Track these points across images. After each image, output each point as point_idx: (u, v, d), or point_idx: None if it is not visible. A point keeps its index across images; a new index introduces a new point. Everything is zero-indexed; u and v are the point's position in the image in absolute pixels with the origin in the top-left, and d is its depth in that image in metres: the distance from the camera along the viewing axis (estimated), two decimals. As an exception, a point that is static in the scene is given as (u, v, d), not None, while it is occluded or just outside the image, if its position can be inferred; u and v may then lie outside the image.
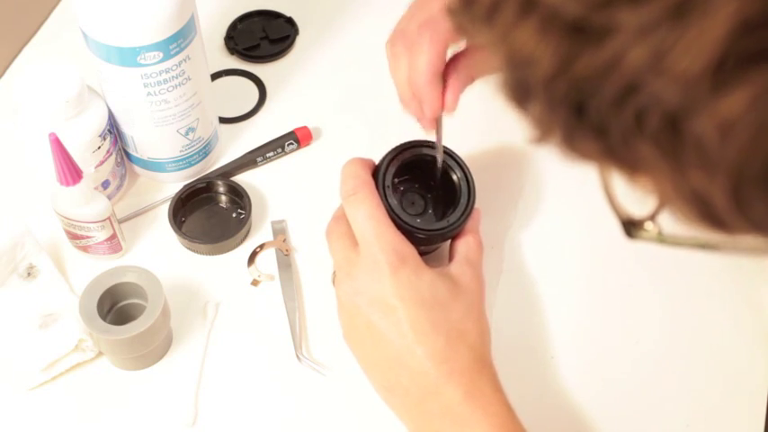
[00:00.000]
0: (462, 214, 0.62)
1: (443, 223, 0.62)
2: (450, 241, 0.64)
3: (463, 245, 0.62)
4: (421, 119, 0.62)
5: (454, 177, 0.64)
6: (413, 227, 0.60)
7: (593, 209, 0.73)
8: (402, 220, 0.60)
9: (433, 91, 0.59)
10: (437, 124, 0.62)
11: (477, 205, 0.64)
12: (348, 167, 0.61)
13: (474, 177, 0.64)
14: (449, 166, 0.64)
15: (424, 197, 0.66)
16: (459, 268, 0.60)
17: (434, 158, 0.63)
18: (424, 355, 0.54)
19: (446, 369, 0.54)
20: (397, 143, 0.64)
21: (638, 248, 0.70)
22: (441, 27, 0.58)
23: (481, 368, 0.55)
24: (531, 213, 0.73)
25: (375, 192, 0.59)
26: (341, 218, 0.61)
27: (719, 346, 0.66)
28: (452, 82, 0.59)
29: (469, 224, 0.64)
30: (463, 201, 0.63)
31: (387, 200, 0.60)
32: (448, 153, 0.64)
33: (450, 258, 0.62)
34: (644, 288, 0.69)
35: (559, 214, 0.73)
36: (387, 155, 0.63)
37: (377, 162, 0.63)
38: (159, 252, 0.70)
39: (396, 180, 0.63)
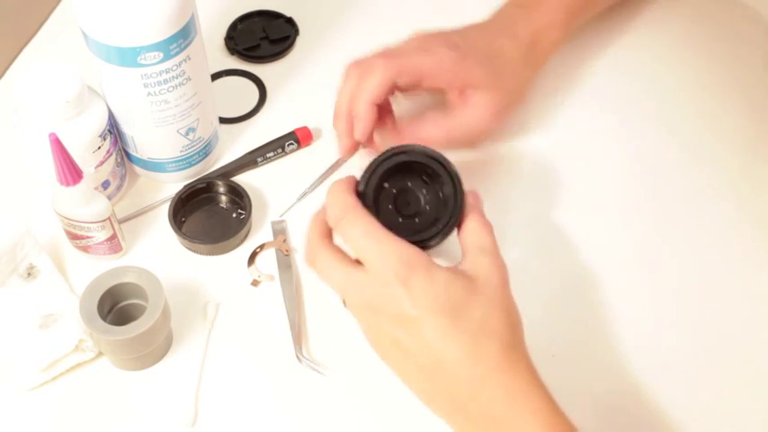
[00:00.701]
0: (450, 219, 0.59)
1: (434, 230, 0.59)
2: (458, 233, 0.61)
3: (470, 234, 0.59)
4: (344, 138, 0.70)
5: (440, 180, 0.60)
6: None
7: (592, 210, 0.73)
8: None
9: (368, 113, 0.67)
10: (353, 151, 0.70)
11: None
12: (331, 194, 0.59)
13: (466, 177, 0.62)
14: (433, 170, 0.60)
15: (419, 193, 0.62)
16: (473, 261, 0.57)
17: (415, 162, 0.60)
18: (455, 360, 0.53)
19: (480, 371, 0.53)
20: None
21: (642, 251, 0.71)
22: (397, 61, 0.67)
23: (516, 360, 0.54)
24: (531, 210, 0.73)
25: (363, 210, 0.57)
26: (322, 247, 0.58)
27: (732, 346, 0.66)
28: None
29: (469, 207, 0.60)
30: (450, 203, 0.59)
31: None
32: (430, 155, 0.60)
33: (463, 253, 0.59)
34: (646, 290, 0.69)
35: (560, 210, 0.73)
36: (364, 173, 0.60)
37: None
38: (159, 252, 0.70)
39: (385, 185, 0.61)
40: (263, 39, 0.84)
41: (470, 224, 0.59)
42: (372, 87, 0.67)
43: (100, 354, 0.64)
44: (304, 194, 0.74)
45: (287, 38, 0.84)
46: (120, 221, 0.70)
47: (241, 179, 0.75)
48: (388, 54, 0.68)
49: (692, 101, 0.80)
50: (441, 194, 0.61)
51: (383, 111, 0.70)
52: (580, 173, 0.75)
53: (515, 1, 0.75)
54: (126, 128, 0.70)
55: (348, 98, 0.69)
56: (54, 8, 0.87)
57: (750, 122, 0.78)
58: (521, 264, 0.70)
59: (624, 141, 0.77)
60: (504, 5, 0.75)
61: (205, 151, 0.74)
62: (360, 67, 0.68)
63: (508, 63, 0.71)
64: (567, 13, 0.74)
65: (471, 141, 0.72)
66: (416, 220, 0.61)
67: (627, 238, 0.72)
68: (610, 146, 0.77)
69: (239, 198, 0.72)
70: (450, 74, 0.68)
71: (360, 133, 0.68)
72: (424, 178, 0.62)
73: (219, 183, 0.73)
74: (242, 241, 0.71)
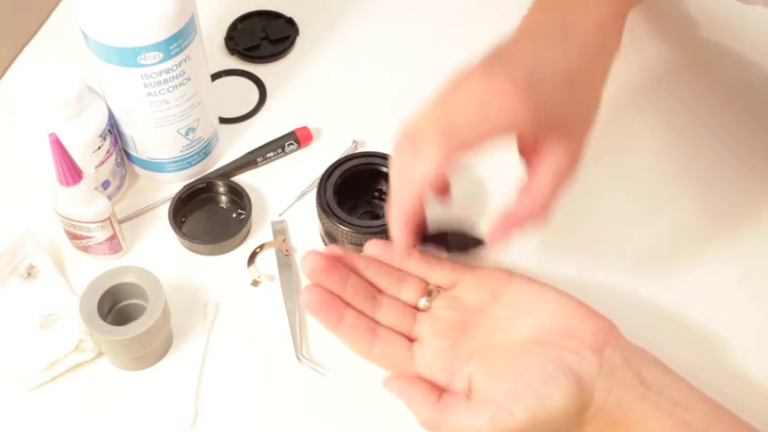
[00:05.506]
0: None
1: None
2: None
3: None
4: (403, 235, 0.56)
5: None
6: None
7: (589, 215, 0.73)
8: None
9: (413, 206, 0.55)
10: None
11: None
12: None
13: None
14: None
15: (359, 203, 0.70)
16: None
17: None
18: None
19: None
20: None
21: (651, 255, 0.71)
22: (455, 139, 0.52)
23: None
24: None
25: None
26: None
27: (735, 349, 0.66)
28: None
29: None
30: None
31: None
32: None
33: None
34: (656, 293, 0.69)
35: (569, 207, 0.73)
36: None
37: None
38: (159, 252, 0.70)
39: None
40: (263, 39, 0.84)
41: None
42: (422, 174, 0.53)
43: (100, 354, 0.64)
44: (304, 194, 0.74)
45: (287, 38, 0.84)
46: (120, 221, 0.70)
47: (241, 179, 0.75)
48: (443, 129, 0.53)
49: (697, 106, 0.80)
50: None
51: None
52: (590, 176, 0.75)
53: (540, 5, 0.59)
54: (126, 128, 0.70)
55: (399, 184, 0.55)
56: (54, 8, 0.87)
57: (752, 126, 0.78)
58: (537, 263, 0.70)
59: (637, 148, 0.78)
60: (529, 12, 0.58)
61: (205, 151, 0.74)
62: (409, 140, 0.54)
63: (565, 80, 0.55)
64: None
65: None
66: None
67: (639, 241, 0.71)
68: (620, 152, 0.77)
69: (239, 198, 0.72)
70: (527, 134, 0.56)
71: (403, 224, 0.56)
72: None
73: (219, 183, 0.73)
74: (242, 241, 0.71)
